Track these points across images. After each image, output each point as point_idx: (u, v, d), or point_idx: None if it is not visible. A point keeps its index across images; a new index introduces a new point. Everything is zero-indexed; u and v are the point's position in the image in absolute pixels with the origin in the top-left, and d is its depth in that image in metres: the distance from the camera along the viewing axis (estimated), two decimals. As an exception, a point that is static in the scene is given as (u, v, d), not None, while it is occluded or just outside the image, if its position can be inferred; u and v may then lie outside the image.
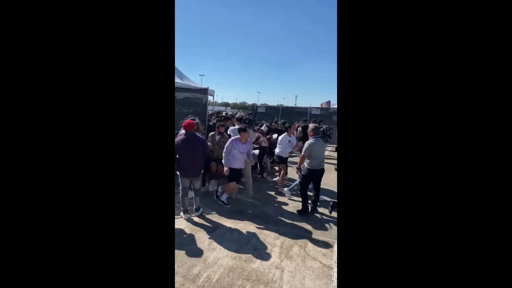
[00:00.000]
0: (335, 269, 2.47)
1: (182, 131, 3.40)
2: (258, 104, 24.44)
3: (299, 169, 3.85)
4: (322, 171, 3.78)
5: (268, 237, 3.05)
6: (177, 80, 5.45)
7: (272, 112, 14.44)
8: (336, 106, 13.76)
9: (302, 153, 3.70)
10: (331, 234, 3.21)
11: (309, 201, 3.84)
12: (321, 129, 3.73)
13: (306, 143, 3.67)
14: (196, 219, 3.40)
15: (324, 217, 3.72)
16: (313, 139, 3.64)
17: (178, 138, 3.27)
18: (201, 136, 3.45)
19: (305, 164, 3.71)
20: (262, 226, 3.30)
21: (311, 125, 3.89)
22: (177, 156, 3.26)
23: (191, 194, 3.66)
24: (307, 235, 3.16)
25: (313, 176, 3.73)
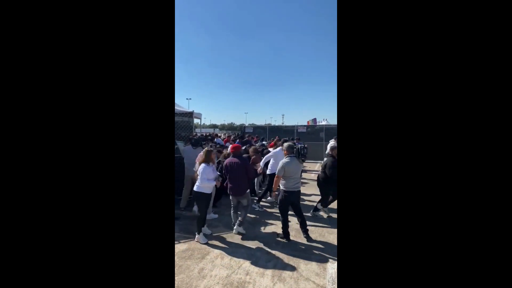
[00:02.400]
0: (329, 289, 2.42)
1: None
2: (246, 124, 24.70)
3: (275, 191, 3.76)
4: (299, 193, 3.58)
5: (260, 260, 2.98)
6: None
7: (260, 131, 14.58)
8: (322, 123, 14.12)
9: (276, 173, 3.51)
10: (323, 252, 3.17)
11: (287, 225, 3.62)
12: (296, 147, 3.60)
13: (280, 162, 3.49)
14: (185, 246, 3.29)
15: (314, 235, 3.69)
16: (288, 158, 3.49)
17: (227, 160, 3.72)
18: (245, 158, 3.81)
19: (281, 186, 3.51)
20: (253, 249, 3.23)
21: (285, 144, 3.72)
22: (227, 176, 3.67)
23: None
24: (299, 255, 3.11)
25: (290, 198, 3.49)
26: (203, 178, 3.37)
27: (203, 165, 3.45)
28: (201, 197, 3.42)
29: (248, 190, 3.70)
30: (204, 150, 3.59)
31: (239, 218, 3.67)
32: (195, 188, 3.45)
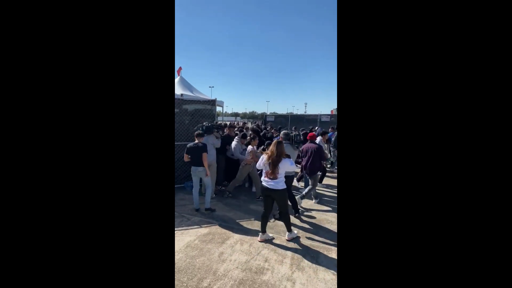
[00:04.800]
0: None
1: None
2: (268, 113, 24.50)
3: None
4: (293, 178, 3.95)
5: (279, 247, 2.99)
6: (187, 93, 5.59)
7: (282, 120, 14.42)
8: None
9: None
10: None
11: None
12: (291, 135, 4.13)
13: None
14: (206, 230, 3.39)
15: (334, 226, 3.62)
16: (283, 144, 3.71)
17: (305, 146, 4.43)
18: (319, 145, 4.53)
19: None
20: (273, 236, 3.25)
21: (282, 132, 4.29)
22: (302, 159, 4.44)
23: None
24: (319, 245, 3.08)
25: (286, 182, 3.68)
26: (284, 173, 3.06)
27: (287, 160, 2.97)
28: (284, 193, 3.10)
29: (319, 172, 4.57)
30: (274, 143, 3.02)
31: (305, 191, 4.38)
32: (275, 187, 2.99)
